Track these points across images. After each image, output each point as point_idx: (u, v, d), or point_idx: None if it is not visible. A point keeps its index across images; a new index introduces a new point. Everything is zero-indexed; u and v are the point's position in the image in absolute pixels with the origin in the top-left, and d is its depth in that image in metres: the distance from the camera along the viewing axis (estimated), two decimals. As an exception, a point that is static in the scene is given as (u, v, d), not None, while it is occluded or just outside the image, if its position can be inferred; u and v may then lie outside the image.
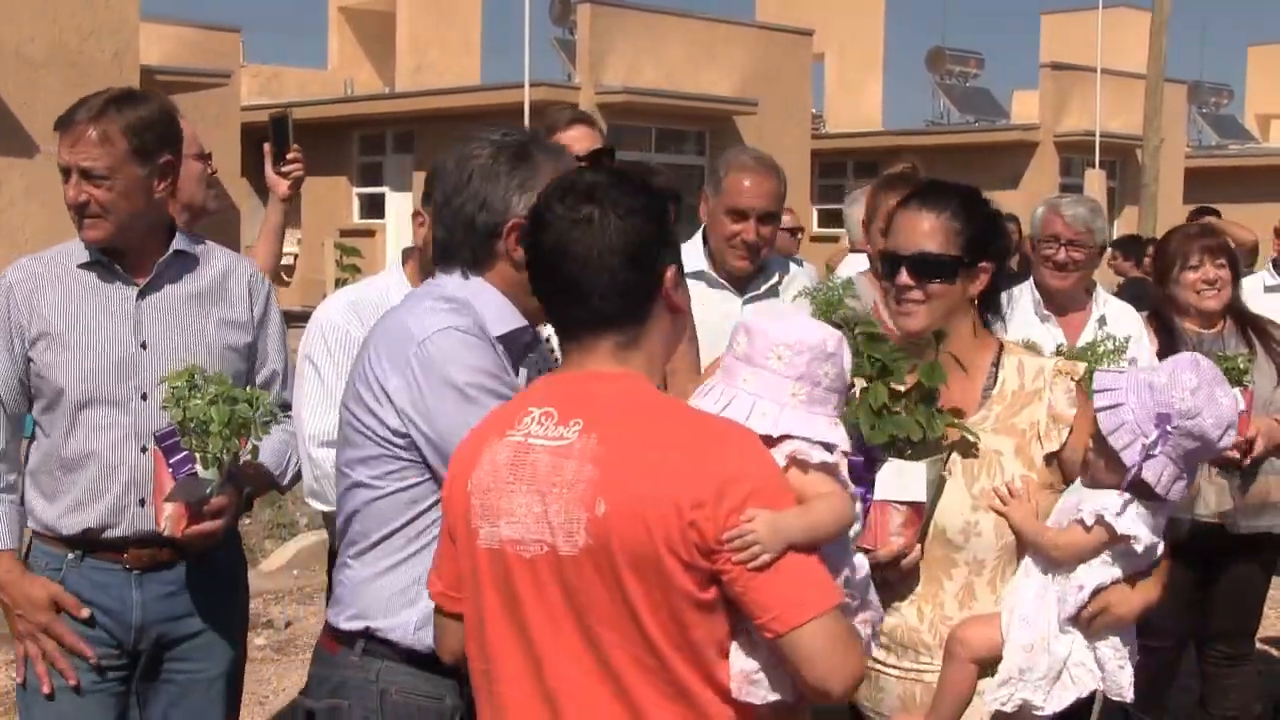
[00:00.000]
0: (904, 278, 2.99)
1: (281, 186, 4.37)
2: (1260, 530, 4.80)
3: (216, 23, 21.88)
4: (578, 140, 4.11)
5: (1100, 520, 2.79)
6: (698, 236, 4.51)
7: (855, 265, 5.56)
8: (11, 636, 3.41)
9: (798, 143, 24.58)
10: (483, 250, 2.71)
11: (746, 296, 4.43)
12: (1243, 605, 5.09)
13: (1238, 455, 4.66)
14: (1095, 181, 25.36)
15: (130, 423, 3.36)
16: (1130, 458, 2.76)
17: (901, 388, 2.81)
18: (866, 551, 2.67)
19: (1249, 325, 4.92)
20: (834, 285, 4.42)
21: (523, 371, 2.86)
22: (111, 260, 3.40)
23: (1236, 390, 4.66)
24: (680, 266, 2.38)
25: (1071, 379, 3.03)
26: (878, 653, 2.90)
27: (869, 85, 32.72)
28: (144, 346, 3.39)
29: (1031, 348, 4.45)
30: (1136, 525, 2.81)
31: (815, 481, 2.26)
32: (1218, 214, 11.95)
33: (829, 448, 2.29)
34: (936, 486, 2.86)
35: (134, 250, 3.41)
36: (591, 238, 2.27)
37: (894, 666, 2.96)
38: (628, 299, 2.31)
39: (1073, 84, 28.24)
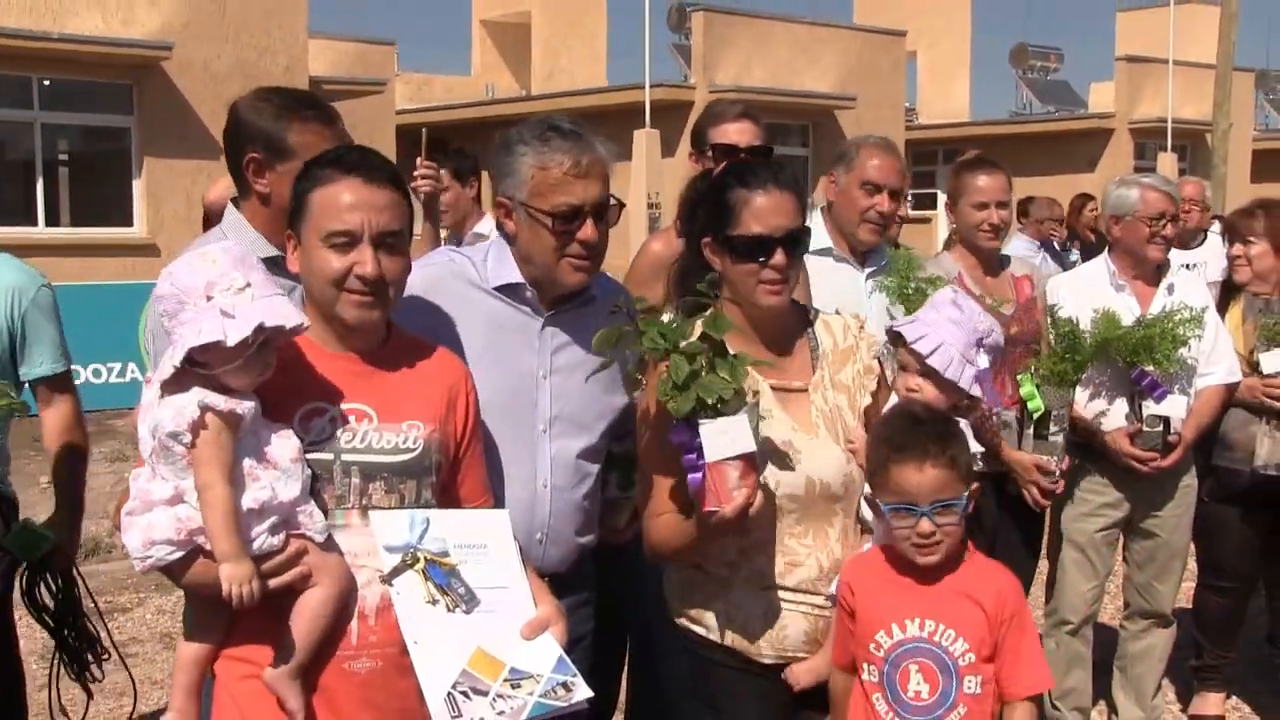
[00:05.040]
0: (780, 258, 2.77)
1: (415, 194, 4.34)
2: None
3: (373, 37, 22.21)
4: (741, 134, 4.07)
5: None
6: (817, 215, 4.38)
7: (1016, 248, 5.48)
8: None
9: (892, 134, 24.10)
10: None
11: (868, 272, 4.34)
12: (1310, 549, 4.98)
13: None
14: (1167, 164, 24.77)
15: None
16: (967, 382, 2.93)
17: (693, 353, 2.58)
18: (713, 512, 2.53)
19: None
20: (902, 256, 4.38)
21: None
22: None
23: None
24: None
25: (862, 328, 3.02)
26: (785, 594, 2.81)
27: (957, 80, 32.19)
28: None
29: (1110, 318, 4.41)
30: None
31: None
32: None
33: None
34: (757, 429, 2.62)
35: None
36: None
37: (803, 603, 2.83)
38: None
39: (1146, 75, 27.55)
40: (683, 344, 2.55)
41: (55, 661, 3.70)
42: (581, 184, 2.81)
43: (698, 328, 2.62)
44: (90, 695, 3.78)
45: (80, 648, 3.69)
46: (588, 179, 2.82)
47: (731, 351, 2.59)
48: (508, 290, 2.92)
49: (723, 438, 2.49)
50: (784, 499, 2.78)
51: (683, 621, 2.92)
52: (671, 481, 2.74)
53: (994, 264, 4.54)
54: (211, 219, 4.30)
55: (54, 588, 3.60)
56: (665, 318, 3.79)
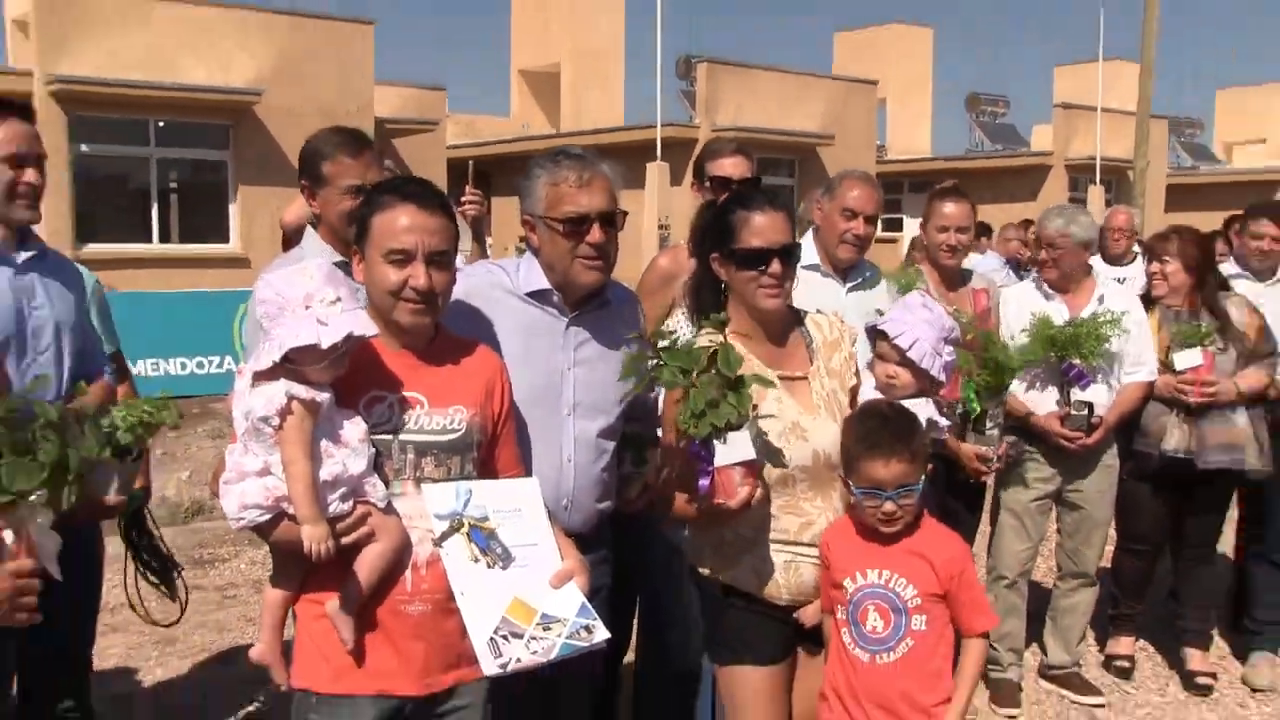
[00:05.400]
0: (776, 267, 2.81)
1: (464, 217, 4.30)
2: (1220, 465, 4.70)
3: (428, 83, 22.23)
4: (735, 167, 4.08)
5: (930, 422, 2.97)
6: (809, 236, 4.35)
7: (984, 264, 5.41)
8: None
9: (865, 167, 23.98)
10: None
11: (848, 286, 4.28)
12: (1209, 520, 5.01)
13: (1189, 397, 4.63)
14: (1096, 195, 24.73)
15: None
16: (938, 370, 2.99)
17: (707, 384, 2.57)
18: (721, 504, 2.60)
19: (1214, 308, 4.84)
20: (909, 273, 4.43)
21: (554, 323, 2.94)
22: None
23: (1199, 350, 4.65)
24: None
25: (843, 322, 3.06)
26: (802, 549, 2.87)
27: (921, 122, 32.12)
28: None
29: (1044, 319, 4.47)
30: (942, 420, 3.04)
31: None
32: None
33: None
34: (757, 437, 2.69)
35: None
36: None
37: (815, 555, 2.89)
38: None
39: (1079, 119, 27.43)
40: (696, 378, 2.58)
41: (134, 577, 3.66)
42: (586, 194, 2.83)
43: (706, 342, 2.65)
44: (176, 598, 3.72)
45: (165, 570, 3.70)
46: (591, 189, 2.83)
47: (740, 372, 2.61)
48: (537, 295, 2.94)
49: (730, 449, 2.57)
50: (796, 470, 2.83)
51: (708, 573, 2.95)
52: (689, 474, 2.77)
53: (955, 279, 4.58)
54: (289, 237, 4.31)
55: (144, 531, 3.65)
56: (676, 316, 3.84)
